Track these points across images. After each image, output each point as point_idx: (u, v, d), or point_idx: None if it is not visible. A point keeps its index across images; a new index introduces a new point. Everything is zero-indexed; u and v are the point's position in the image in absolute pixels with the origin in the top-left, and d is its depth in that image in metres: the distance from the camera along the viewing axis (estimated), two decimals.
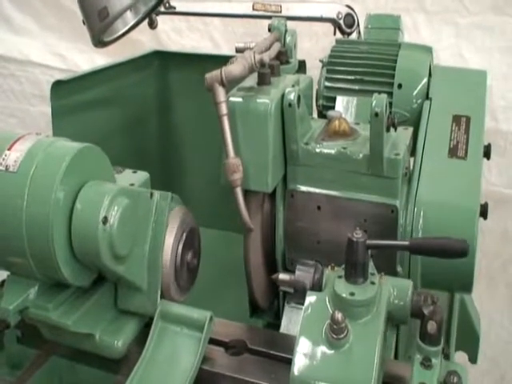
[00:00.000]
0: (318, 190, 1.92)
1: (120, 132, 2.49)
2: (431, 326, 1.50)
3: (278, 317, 2.05)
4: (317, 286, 1.67)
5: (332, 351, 1.51)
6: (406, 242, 1.59)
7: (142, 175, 1.86)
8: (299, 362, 1.51)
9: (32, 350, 1.91)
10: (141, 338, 1.75)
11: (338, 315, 1.50)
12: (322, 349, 1.51)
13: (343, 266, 1.62)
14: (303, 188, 1.94)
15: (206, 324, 1.67)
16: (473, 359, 2.09)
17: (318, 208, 1.93)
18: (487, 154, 1.99)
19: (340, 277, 1.60)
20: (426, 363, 1.51)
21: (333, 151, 1.89)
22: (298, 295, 1.70)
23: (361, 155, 1.86)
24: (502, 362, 3.18)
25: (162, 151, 2.62)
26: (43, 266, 1.56)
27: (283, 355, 1.73)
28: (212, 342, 1.74)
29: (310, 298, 1.60)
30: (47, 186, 1.51)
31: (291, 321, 1.92)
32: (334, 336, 1.51)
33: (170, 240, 1.74)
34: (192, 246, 1.83)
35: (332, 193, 1.90)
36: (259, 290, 2.00)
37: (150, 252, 1.70)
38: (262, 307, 2.07)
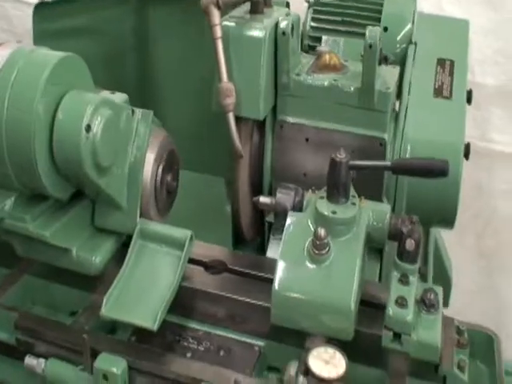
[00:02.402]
0: (307, 122, 1.93)
1: (99, 65, 2.42)
2: (409, 244, 1.55)
3: (262, 250, 2.07)
4: (297, 208, 1.69)
5: (313, 266, 1.54)
6: (388, 163, 1.63)
7: (121, 96, 1.82)
8: (281, 277, 1.54)
9: (4, 269, 1.89)
10: (118, 258, 1.74)
11: (321, 231, 1.53)
12: (304, 264, 1.55)
13: (324, 188, 1.66)
14: (292, 119, 1.95)
15: (187, 242, 1.68)
16: (445, 303, 2.16)
17: (307, 140, 1.94)
18: (469, 99, 2.05)
19: (322, 198, 1.63)
20: (404, 280, 1.57)
21: (324, 83, 1.90)
22: (279, 218, 1.72)
23: (352, 88, 1.87)
24: (468, 312, 3.30)
25: (140, 89, 2.56)
26: (23, 174, 1.52)
27: (263, 275, 1.75)
28: (192, 261, 1.75)
29: (292, 218, 1.63)
30: (29, 93, 1.46)
31: (276, 253, 1.94)
32: (316, 251, 1.55)
33: (150, 160, 1.72)
34: (171, 169, 1.82)
35: (321, 125, 1.92)
36: (245, 219, 2.01)
37: (131, 169, 1.68)
38: (247, 238, 2.08)
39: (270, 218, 1.95)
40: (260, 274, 1.76)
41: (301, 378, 1.52)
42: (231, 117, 1.78)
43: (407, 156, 1.86)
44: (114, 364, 1.56)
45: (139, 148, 1.68)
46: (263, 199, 1.75)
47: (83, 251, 1.70)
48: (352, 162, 1.57)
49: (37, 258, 1.76)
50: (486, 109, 2.93)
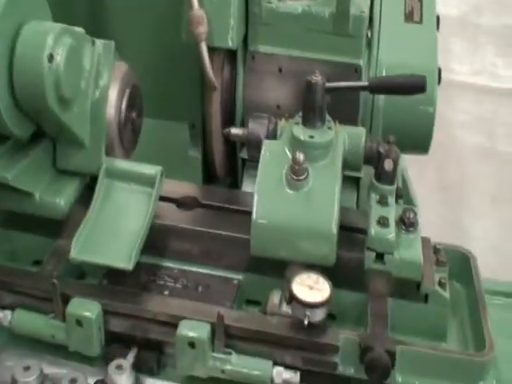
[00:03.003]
0: (279, 51, 1.87)
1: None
2: (388, 164, 1.53)
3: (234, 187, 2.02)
4: (271, 137, 1.64)
5: (293, 192, 1.51)
6: (366, 83, 1.60)
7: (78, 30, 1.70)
8: (259, 206, 1.51)
9: None
10: (83, 201, 1.65)
11: (300, 155, 1.50)
12: (283, 191, 1.51)
13: (299, 115, 1.62)
14: (264, 49, 1.88)
15: (158, 178, 1.60)
16: None
17: (280, 70, 1.88)
18: (437, 25, 2.03)
19: (297, 123, 1.59)
20: (383, 201, 1.56)
21: (297, 10, 1.84)
22: (252, 149, 1.68)
23: (326, 13, 1.82)
24: None
25: (93, 27, 2.42)
26: None
27: (239, 208, 1.70)
28: (162, 199, 1.67)
29: (267, 146, 1.58)
30: None
31: (251, 188, 1.89)
32: (295, 177, 1.51)
33: (113, 94, 1.62)
34: (135, 105, 1.72)
35: (294, 53, 1.86)
36: (217, 157, 1.94)
37: (94, 105, 1.57)
38: (219, 177, 2.02)
39: (243, 154, 1.89)
40: (235, 208, 1.71)
41: (284, 306, 1.50)
42: (204, 46, 1.70)
43: None
44: (87, 308, 1.48)
45: (102, 82, 1.58)
46: (235, 130, 1.69)
47: (47, 194, 1.60)
48: (328, 84, 1.54)
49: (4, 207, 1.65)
50: (447, 39, 2.91)
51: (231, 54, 1.86)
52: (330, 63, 1.83)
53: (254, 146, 1.64)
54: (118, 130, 1.66)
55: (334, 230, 1.48)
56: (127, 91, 1.67)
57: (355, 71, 1.81)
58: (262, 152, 1.57)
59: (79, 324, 1.48)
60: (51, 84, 1.39)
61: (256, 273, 1.63)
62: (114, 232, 1.57)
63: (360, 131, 1.63)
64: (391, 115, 1.83)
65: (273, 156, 1.56)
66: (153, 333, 1.50)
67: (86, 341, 1.50)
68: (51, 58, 1.38)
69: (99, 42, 1.58)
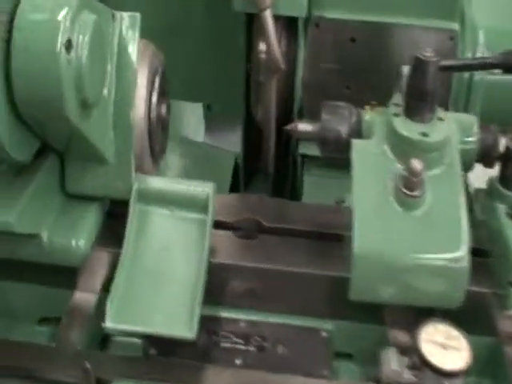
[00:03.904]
0: (351, 16, 1.42)
1: None
2: None
3: (279, 189, 1.59)
4: (354, 133, 1.23)
5: (406, 213, 1.10)
6: (493, 58, 1.19)
7: None
8: (362, 234, 1.09)
9: None
10: (102, 233, 1.23)
11: (417, 163, 1.09)
12: (393, 213, 1.10)
13: (395, 102, 1.21)
14: (332, 15, 1.43)
15: (211, 200, 1.17)
16: None
17: (352, 40, 1.45)
18: None
19: (397, 115, 1.18)
20: None
21: None
22: (328, 149, 1.26)
23: None
24: None
25: None
26: None
27: (314, 230, 1.26)
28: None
29: (359, 148, 1.16)
30: None
31: (315, 191, 1.47)
32: (409, 193, 1.10)
33: (141, 87, 1.16)
34: (164, 96, 1.27)
35: (371, 19, 1.41)
36: (269, 151, 1.49)
37: (117, 104, 1.11)
38: (267, 173, 1.57)
39: (303, 149, 1.47)
40: (309, 230, 1.27)
41: (408, 374, 1.11)
42: (269, 16, 1.26)
43: (481, 49, 1.42)
44: None
45: (127, 72, 1.12)
46: (303, 126, 1.26)
47: (58, 234, 1.15)
48: (444, 62, 1.13)
49: None
50: None
51: (289, 24, 1.41)
52: (419, 29, 1.40)
53: (332, 145, 1.22)
54: (148, 133, 1.20)
55: (466, 261, 1.09)
56: (157, 80, 1.21)
57: (450, 39, 1.40)
58: (354, 156, 1.15)
59: None
60: (70, 83, 0.93)
61: (348, 319, 1.23)
62: (159, 283, 1.13)
63: (470, 120, 1.23)
64: (492, 100, 1.43)
65: (369, 163, 1.14)
66: None
67: None
68: (69, 45, 0.91)
69: (121, 15, 1.11)
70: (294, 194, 1.61)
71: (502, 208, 1.19)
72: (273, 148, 1.48)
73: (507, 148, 1.17)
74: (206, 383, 1.09)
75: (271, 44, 1.29)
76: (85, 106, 0.98)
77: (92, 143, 1.07)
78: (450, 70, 1.17)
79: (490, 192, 1.23)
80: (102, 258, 1.21)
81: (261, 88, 1.41)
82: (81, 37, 0.93)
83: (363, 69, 1.46)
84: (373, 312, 1.20)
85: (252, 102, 1.49)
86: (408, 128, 1.14)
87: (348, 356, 1.25)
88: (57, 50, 0.90)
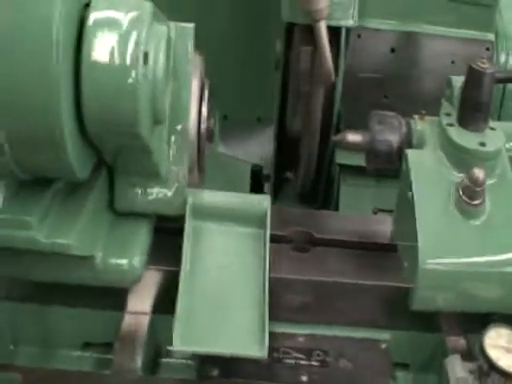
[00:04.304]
0: (392, 27, 1.45)
1: None
2: None
3: (307, 199, 1.57)
4: (406, 143, 1.22)
5: (468, 222, 1.10)
6: None
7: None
8: (426, 244, 1.08)
9: None
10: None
11: (480, 173, 1.09)
12: (456, 222, 1.10)
13: (443, 111, 1.21)
14: (373, 24, 1.45)
15: (268, 214, 1.14)
16: None
17: (392, 51, 1.47)
18: None
19: (451, 125, 1.19)
20: None
21: None
22: (378, 160, 1.25)
23: None
24: None
25: None
26: (26, 146, 0.89)
27: (365, 240, 1.25)
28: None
29: (415, 159, 1.16)
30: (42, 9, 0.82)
31: (351, 200, 1.46)
32: (471, 202, 1.11)
33: (194, 100, 1.13)
34: (211, 107, 1.23)
35: (410, 29, 1.44)
36: (307, 160, 1.48)
37: (171, 117, 1.07)
38: (302, 182, 1.55)
39: (341, 159, 1.46)
40: (358, 241, 1.26)
41: (474, 380, 1.11)
42: (323, 27, 1.24)
43: None
44: None
45: (180, 83, 1.08)
46: (353, 137, 1.25)
47: (111, 255, 1.10)
48: (501, 74, 1.14)
49: (31, 278, 1.13)
50: None
51: (332, 34, 1.39)
52: (457, 40, 1.41)
53: (383, 156, 1.22)
54: (198, 147, 1.17)
55: None
56: (206, 93, 1.18)
57: (487, 49, 1.41)
58: (410, 168, 1.15)
59: None
60: (146, 98, 0.89)
61: (403, 329, 1.22)
62: (222, 301, 1.09)
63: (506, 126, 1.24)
64: None
65: (426, 173, 1.14)
66: None
67: None
68: (146, 59, 0.88)
69: (173, 25, 1.08)
70: (326, 204, 1.60)
71: None
72: (315, 159, 1.46)
73: None
74: None
75: (324, 55, 1.26)
76: (157, 118, 0.95)
77: (153, 159, 1.03)
78: (506, 81, 1.18)
79: None
80: (151, 276, 1.17)
81: (301, 99, 1.39)
82: (155, 50, 0.89)
83: (401, 78, 1.47)
84: (428, 320, 1.20)
85: (288, 112, 1.47)
86: (464, 138, 1.15)
87: (404, 366, 1.25)
88: (134, 63, 0.86)
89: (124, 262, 1.10)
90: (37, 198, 0.99)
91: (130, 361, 1.11)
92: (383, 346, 1.20)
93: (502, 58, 1.48)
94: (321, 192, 1.56)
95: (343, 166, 1.49)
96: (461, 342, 1.19)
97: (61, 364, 1.22)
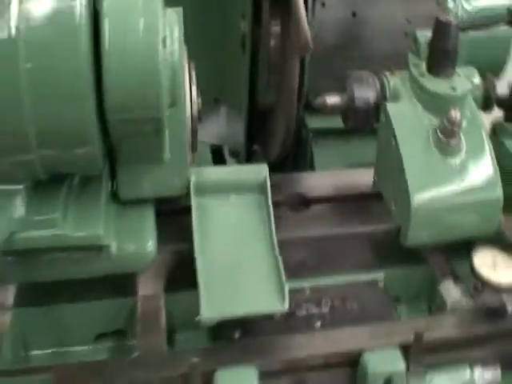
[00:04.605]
0: None
1: None
2: None
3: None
4: (381, 99, 1.30)
5: (447, 160, 1.21)
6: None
7: None
8: (415, 187, 1.18)
9: None
10: None
11: (457, 113, 1.19)
12: (437, 162, 1.21)
13: (411, 63, 1.29)
14: None
15: (267, 180, 1.19)
16: None
17: (353, 15, 1.52)
18: None
19: (422, 75, 1.27)
20: None
21: None
22: (357, 117, 1.31)
23: None
24: None
25: None
26: (56, 144, 0.89)
27: (350, 193, 1.36)
28: None
29: (395, 110, 1.24)
30: None
31: (325, 161, 1.52)
32: (450, 141, 1.21)
33: (185, 83, 1.14)
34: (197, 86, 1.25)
35: None
36: (288, 131, 1.50)
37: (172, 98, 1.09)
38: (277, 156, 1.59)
39: (312, 123, 1.51)
40: (348, 194, 1.36)
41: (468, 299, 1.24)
42: None
43: None
44: (240, 380, 1.07)
45: (177, 65, 1.09)
46: (332, 99, 1.31)
47: (125, 242, 1.12)
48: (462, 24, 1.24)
49: (43, 279, 1.12)
50: None
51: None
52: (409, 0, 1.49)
53: (362, 113, 1.29)
54: (192, 127, 1.19)
55: (501, 196, 1.24)
56: (193, 72, 1.19)
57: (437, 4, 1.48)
58: (391, 118, 1.23)
59: None
60: (167, 82, 0.91)
61: (396, 266, 1.34)
62: (238, 267, 1.15)
63: (471, 71, 1.35)
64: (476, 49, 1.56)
65: (407, 122, 1.23)
66: (330, 379, 1.16)
67: None
68: (164, 43, 0.89)
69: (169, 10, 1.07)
70: (295, 169, 1.65)
71: (510, 143, 1.36)
72: (293, 127, 1.51)
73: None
74: (301, 351, 1.14)
75: (302, 25, 1.29)
76: (173, 102, 0.96)
77: (162, 143, 1.04)
78: (468, 29, 1.28)
79: (495, 132, 1.38)
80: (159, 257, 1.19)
81: (273, 72, 1.43)
82: (171, 33, 0.92)
83: (362, 40, 1.54)
84: (414, 256, 1.32)
85: (260, 87, 1.50)
86: (436, 84, 1.25)
87: (396, 299, 1.35)
88: (156, 48, 0.87)
89: (138, 247, 1.13)
90: (53, 196, 1.00)
91: (156, 341, 1.14)
92: (380, 284, 1.31)
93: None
94: (290, 158, 1.62)
95: (315, 130, 1.55)
96: (447, 269, 1.32)
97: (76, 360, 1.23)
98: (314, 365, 1.14)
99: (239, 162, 1.65)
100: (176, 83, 0.94)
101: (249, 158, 1.63)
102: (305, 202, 1.32)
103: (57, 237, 0.97)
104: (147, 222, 1.16)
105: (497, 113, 1.41)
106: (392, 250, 1.29)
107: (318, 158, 1.57)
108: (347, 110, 1.31)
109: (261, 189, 1.20)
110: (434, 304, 1.28)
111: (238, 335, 1.17)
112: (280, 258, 1.14)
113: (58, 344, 1.24)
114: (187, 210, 1.23)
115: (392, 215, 1.28)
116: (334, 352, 1.13)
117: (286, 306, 1.11)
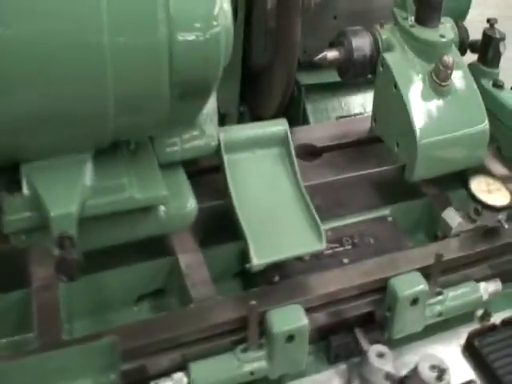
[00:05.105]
0: None
1: None
2: (502, 46, 1.46)
3: None
4: (376, 50, 1.42)
5: (443, 100, 1.36)
6: None
7: None
8: (420, 126, 1.33)
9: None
10: None
11: (449, 58, 1.33)
12: (435, 103, 1.36)
13: (399, 16, 1.41)
14: None
15: (288, 133, 1.28)
16: None
17: None
18: None
19: (412, 26, 1.39)
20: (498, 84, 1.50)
21: None
22: (355, 69, 1.42)
23: None
24: None
25: None
26: (132, 111, 0.94)
27: (354, 140, 1.47)
28: None
29: (392, 59, 1.37)
30: None
31: (318, 114, 1.61)
32: (443, 83, 1.35)
33: None
34: None
35: None
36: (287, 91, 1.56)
37: None
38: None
39: (304, 80, 1.60)
40: (352, 141, 1.48)
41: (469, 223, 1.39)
42: None
43: None
44: (294, 318, 1.16)
45: (231, 27, 1.10)
46: (331, 53, 1.41)
47: (171, 202, 1.16)
48: None
49: (96, 245, 1.14)
50: None
51: None
52: None
53: (359, 65, 1.41)
54: None
55: (488, 128, 1.40)
56: None
57: None
58: (392, 67, 1.35)
59: (290, 339, 1.17)
60: (223, 48, 0.97)
61: (399, 202, 1.48)
62: (275, 215, 1.25)
63: (447, 19, 1.48)
64: None
65: (404, 69, 1.36)
66: (363, 305, 1.28)
67: (297, 354, 1.20)
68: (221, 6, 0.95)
69: None
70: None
71: (486, 82, 1.51)
72: (293, 85, 1.58)
73: (485, 34, 1.47)
74: (339, 285, 1.25)
75: None
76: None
77: (203, 106, 1.10)
78: None
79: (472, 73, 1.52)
80: None
81: (269, 34, 1.50)
82: (224, 4, 0.97)
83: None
84: (413, 190, 1.46)
85: (255, 49, 1.56)
86: (427, 33, 1.38)
87: None
88: (217, 13, 0.93)
89: (183, 206, 1.18)
90: (113, 162, 1.04)
91: (207, 292, 1.22)
92: (390, 219, 1.45)
93: None
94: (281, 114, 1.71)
95: (307, 86, 1.64)
96: (443, 199, 1.48)
97: (116, 319, 1.28)
98: (349, 295, 1.27)
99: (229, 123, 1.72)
100: (229, 46, 1.00)
101: (239, 119, 1.71)
102: (315, 152, 1.42)
103: (126, 200, 1.02)
104: (183, 182, 1.20)
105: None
106: (394, 187, 1.44)
107: (311, 112, 1.67)
108: (345, 63, 1.41)
109: (283, 141, 1.29)
110: (438, 230, 1.43)
111: (278, 278, 1.28)
112: (311, 202, 1.25)
113: (100, 312, 1.28)
114: (207, 170, 1.32)
115: (394, 156, 1.41)
116: (365, 282, 1.26)
117: (324, 244, 1.22)
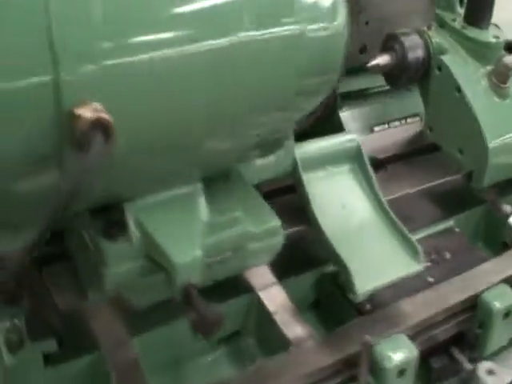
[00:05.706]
0: None
1: None
2: None
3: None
4: (427, 53, 1.32)
5: (505, 102, 1.30)
6: None
7: None
8: (488, 129, 1.26)
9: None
10: None
11: (510, 59, 1.28)
12: (498, 106, 1.29)
13: (450, 19, 1.34)
14: None
15: (361, 147, 1.17)
16: None
17: None
18: None
19: (464, 27, 1.33)
20: None
21: None
22: (408, 74, 1.32)
23: None
24: None
25: None
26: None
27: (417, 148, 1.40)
28: None
29: (451, 62, 1.29)
30: None
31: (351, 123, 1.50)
32: (503, 85, 1.29)
33: None
34: None
35: None
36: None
37: None
38: None
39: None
40: (410, 150, 1.41)
41: None
42: None
43: None
44: (399, 349, 1.05)
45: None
46: (382, 59, 1.31)
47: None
48: None
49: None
50: None
51: None
52: None
53: (412, 70, 1.32)
54: None
55: None
56: None
57: None
58: (452, 70, 1.28)
59: (401, 373, 1.05)
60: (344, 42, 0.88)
61: (461, 211, 1.40)
62: (364, 236, 1.12)
63: None
64: None
65: (464, 71, 1.29)
66: (455, 325, 1.19)
67: None
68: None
69: None
70: None
71: None
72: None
73: None
74: (434, 306, 1.15)
75: None
76: None
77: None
78: None
79: None
80: None
81: None
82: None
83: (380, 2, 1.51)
84: (473, 198, 1.40)
85: None
86: (481, 35, 1.32)
87: None
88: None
89: (273, 233, 1.03)
90: (222, 192, 0.89)
91: (303, 331, 1.08)
92: (457, 230, 1.37)
93: None
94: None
95: (342, 95, 1.54)
96: (500, 205, 1.42)
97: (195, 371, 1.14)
98: (445, 317, 1.17)
99: None
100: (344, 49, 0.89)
101: None
102: (377, 164, 1.32)
103: (244, 235, 0.88)
104: (264, 203, 1.05)
105: None
106: (456, 196, 1.38)
107: (347, 120, 1.56)
108: (397, 68, 1.32)
109: (356, 156, 1.17)
110: (506, 237, 1.36)
111: (369, 306, 1.16)
112: (397, 221, 1.15)
113: (174, 365, 1.12)
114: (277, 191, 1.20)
115: (457, 163, 1.34)
116: (459, 301, 1.17)
117: (422, 264, 1.12)
